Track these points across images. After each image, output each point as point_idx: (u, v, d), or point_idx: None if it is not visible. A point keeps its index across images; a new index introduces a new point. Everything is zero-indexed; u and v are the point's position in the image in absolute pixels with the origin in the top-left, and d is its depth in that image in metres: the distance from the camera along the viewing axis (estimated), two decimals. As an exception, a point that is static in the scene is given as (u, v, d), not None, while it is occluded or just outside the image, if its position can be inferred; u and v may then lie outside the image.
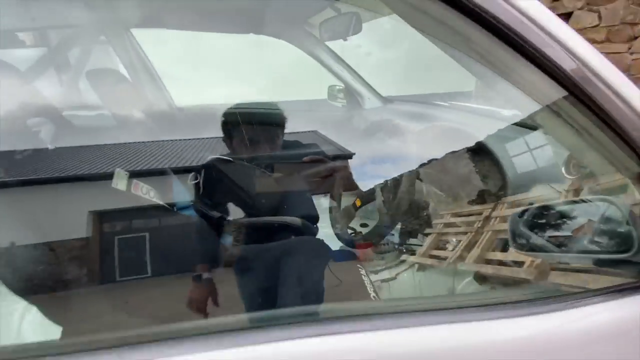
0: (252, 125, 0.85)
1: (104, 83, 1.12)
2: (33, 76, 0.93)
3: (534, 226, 0.62)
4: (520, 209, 0.65)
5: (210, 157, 1.22)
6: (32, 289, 0.65)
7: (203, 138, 1.24)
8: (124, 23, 1.24)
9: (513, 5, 0.40)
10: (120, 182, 0.81)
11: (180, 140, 1.24)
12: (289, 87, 1.54)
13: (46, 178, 0.76)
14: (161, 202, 0.87)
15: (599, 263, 0.54)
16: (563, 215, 0.59)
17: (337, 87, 1.74)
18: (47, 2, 0.96)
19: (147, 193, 0.86)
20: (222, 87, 1.49)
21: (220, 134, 1.07)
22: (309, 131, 1.06)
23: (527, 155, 0.70)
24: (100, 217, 0.79)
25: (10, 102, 0.69)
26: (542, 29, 0.40)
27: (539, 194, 0.65)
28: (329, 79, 1.60)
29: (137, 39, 1.33)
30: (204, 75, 1.42)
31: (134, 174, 0.84)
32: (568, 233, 0.58)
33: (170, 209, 0.91)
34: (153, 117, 1.31)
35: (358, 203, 0.86)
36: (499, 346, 0.43)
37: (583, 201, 0.58)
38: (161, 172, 1.01)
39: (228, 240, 1.02)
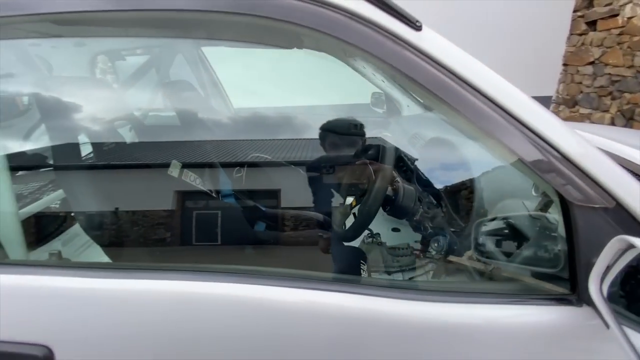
0: (337, 134, 1.06)
1: (177, 92, 1.42)
2: (124, 88, 1.25)
3: (491, 235, 0.67)
4: (484, 218, 0.70)
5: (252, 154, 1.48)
6: (126, 242, 0.92)
7: (255, 140, 1.51)
8: (196, 42, 1.53)
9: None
10: (174, 170, 1.05)
11: (234, 140, 1.51)
12: (330, 93, 1.69)
13: (145, 163, 1.04)
14: (205, 189, 1.10)
15: (536, 275, 0.58)
16: (513, 228, 0.63)
17: (380, 94, 1.83)
18: (139, 29, 1.27)
19: (194, 180, 1.09)
20: (272, 93, 1.72)
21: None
22: (374, 137, 1.20)
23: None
24: (183, 196, 1.02)
25: (106, 109, 0.98)
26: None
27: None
28: (367, 86, 1.69)
29: (205, 54, 1.62)
30: (257, 84, 1.66)
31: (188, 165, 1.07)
32: (514, 245, 0.62)
33: (216, 196, 1.15)
34: (215, 120, 1.60)
35: (354, 203, 0.97)
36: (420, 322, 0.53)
37: (531, 217, 0.61)
38: (212, 165, 1.25)
39: (261, 226, 1.23)
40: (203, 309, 0.53)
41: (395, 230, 1.21)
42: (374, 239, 1.15)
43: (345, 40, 0.47)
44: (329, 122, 1.10)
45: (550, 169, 0.47)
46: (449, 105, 0.48)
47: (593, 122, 3.18)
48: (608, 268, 0.46)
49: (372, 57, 0.47)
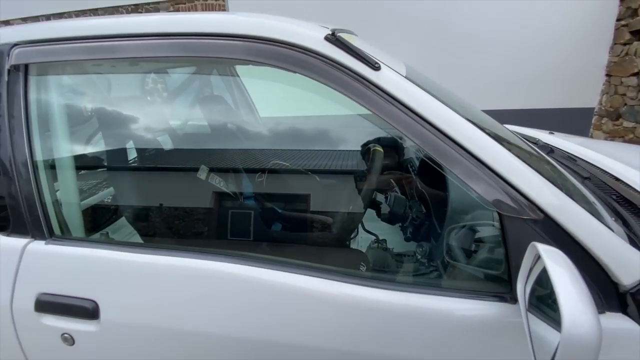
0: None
1: (210, 106, 1.62)
2: (164, 104, 1.48)
3: (458, 240, 0.76)
4: (456, 225, 0.78)
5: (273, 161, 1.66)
6: (158, 231, 1.11)
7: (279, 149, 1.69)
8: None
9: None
10: (202, 174, 1.24)
11: (260, 149, 1.70)
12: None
13: (179, 167, 1.24)
14: (228, 191, 1.28)
15: (487, 276, 0.67)
16: (475, 235, 0.72)
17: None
18: (190, 66, 1.48)
19: (219, 183, 1.27)
20: (295, 103, 1.87)
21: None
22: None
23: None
24: (221, 196, 1.19)
25: (148, 122, 1.19)
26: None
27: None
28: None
29: (238, 72, 1.82)
30: (282, 94, 1.83)
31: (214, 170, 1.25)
32: (475, 249, 0.71)
33: (238, 197, 1.32)
34: (244, 130, 1.79)
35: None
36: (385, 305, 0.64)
37: (490, 225, 0.69)
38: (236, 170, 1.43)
39: (277, 226, 1.38)
40: (210, 282, 0.68)
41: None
42: (380, 245, 1.25)
43: (319, 80, 0.61)
44: (369, 142, 1.23)
45: (482, 183, 0.56)
46: (406, 136, 0.59)
47: (637, 137, 2.99)
48: (531, 270, 0.55)
49: (340, 92, 0.60)
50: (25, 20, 8.34)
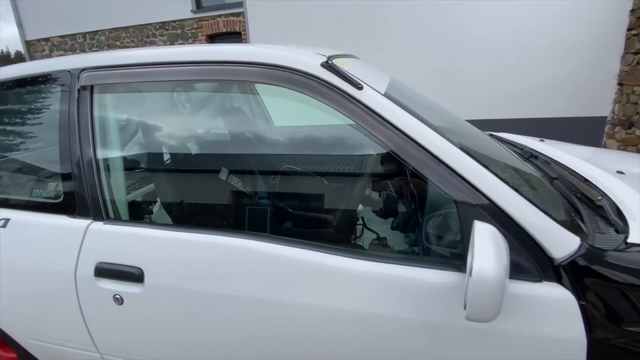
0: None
1: (231, 116, 1.84)
2: (191, 114, 1.70)
3: (434, 226, 0.91)
4: (434, 214, 0.94)
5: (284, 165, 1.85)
6: (187, 218, 1.30)
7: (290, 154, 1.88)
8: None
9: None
10: (223, 175, 1.44)
11: (273, 154, 1.90)
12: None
13: (204, 169, 1.45)
14: (244, 190, 1.47)
15: (451, 254, 0.81)
16: (445, 221, 0.87)
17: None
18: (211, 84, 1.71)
19: (237, 183, 1.47)
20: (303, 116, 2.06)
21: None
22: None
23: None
24: (239, 194, 1.39)
25: (178, 130, 1.41)
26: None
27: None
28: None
29: (257, 88, 2.04)
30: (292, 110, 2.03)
31: (234, 171, 1.45)
32: (445, 232, 0.86)
33: (253, 196, 1.51)
34: (259, 138, 2.00)
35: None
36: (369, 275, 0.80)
37: (451, 212, 0.85)
38: (252, 172, 1.63)
39: (288, 224, 1.56)
40: (233, 254, 0.86)
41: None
42: (380, 242, 1.41)
43: (313, 97, 0.79)
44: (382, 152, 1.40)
45: (439, 176, 0.72)
46: (382, 141, 0.76)
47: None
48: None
49: (329, 107, 0.78)
50: (63, 37, 9.04)
